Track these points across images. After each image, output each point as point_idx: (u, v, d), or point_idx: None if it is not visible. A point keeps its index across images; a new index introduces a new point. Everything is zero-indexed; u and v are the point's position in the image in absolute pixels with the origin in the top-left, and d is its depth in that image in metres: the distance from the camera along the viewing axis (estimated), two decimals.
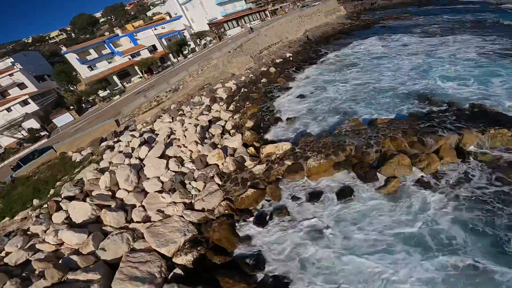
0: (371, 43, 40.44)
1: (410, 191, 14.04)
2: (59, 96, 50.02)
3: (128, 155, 20.29)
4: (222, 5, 62.70)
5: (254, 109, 26.37)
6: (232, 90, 31.39)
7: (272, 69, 36.11)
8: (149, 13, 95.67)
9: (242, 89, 31.18)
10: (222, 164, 18.52)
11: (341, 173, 15.87)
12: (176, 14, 65.73)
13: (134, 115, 30.96)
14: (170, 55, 53.89)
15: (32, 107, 41.67)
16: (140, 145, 21.03)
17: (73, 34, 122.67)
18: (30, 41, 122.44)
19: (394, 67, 30.11)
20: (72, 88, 47.07)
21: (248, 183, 16.33)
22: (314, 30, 55.60)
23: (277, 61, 39.47)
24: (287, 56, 40.81)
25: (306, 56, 40.52)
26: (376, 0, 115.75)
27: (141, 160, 19.59)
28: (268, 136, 22.24)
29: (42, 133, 37.25)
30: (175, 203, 15.74)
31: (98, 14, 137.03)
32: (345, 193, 14.66)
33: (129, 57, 50.43)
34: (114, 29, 58.13)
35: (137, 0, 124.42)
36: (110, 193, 16.67)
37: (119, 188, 17.03)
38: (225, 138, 21.89)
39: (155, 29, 52.11)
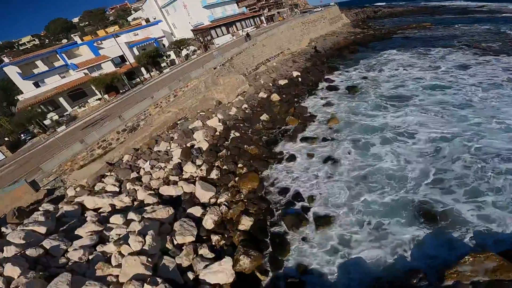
0: (405, 61, 30.60)
1: None
2: None
3: None
4: (209, 8, 52.35)
5: (252, 183, 15.53)
6: (218, 132, 20.60)
7: (275, 97, 25.46)
8: (130, 18, 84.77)
9: (232, 131, 20.35)
10: None
11: None
12: (155, 18, 54.96)
13: (65, 172, 19.62)
14: (143, 69, 42.87)
15: None
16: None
17: (47, 40, 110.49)
18: None
19: (484, 108, 19.22)
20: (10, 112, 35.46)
21: None
22: (321, 40, 45.63)
23: (281, 82, 28.93)
24: (294, 75, 30.32)
25: (320, 77, 30.17)
26: (380, 8, 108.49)
27: None
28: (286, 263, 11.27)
29: None
30: None
31: (76, 19, 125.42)
32: None
33: (86, 71, 39.12)
34: (73, 35, 46.74)
35: (119, 4, 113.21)
36: None
37: None
38: (202, 262, 10.93)
39: (117, 36, 40.80)
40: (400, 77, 26.12)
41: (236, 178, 16.66)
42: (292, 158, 17.55)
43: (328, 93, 25.70)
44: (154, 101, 24.31)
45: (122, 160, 20.16)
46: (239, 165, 17.69)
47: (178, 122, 23.80)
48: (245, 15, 57.43)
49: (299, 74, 30.43)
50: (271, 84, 28.53)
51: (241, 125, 21.17)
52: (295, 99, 25.24)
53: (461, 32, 40.84)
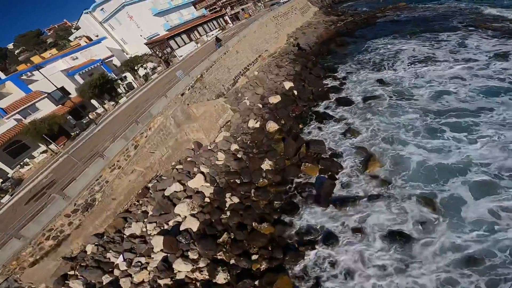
0: (418, 52, 25.58)
1: None
2: None
3: None
4: (162, 16, 44.47)
5: None
6: (207, 198, 14.04)
7: (272, 126, 18.92)
8: (72, 37, 73.44)
9: (228, 195, 13.93)
10: None
11: None
12: (97, 36, 45.90)
13: (14, 271, 12.61)
14: (94, 101, 34.52)
15: None
16: None
17: None
18: None
19: None
20: None
21: None
22: (299, 34, 39.74)
23: (272, 100, 22.60)
24: (287, 87, 24.06)
25: (320, 85, 24.14)
26: None
27: None
28: None
29: None
30: None
31: (11, 46, 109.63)
32: None
33: (19, 116, 30.25)
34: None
35: (57, 24, 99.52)
36: None
37: None
38: None
39: (40, 67, 31.72)
40: (429, 78, 20.46)
41: (256, 283, 10.34)
42: (330, 238, 11.34)
43: (341, 109, 19.51)
44: (107, 163, 16.95)
45: (86, 252, 13.44)
46: (253, 257, 11.34)
47: (149, 185, 16.77)
48: (206, 18, 50.06)
49: (292, 84, 24.17)
50: (260, 105, 22.07)
51: (237, 181, 14.63)
52: (299, 125, 18.97)
53: (448, 10, 36.79)
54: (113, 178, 16.86)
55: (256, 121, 19.74)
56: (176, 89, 22.62)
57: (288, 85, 24.17)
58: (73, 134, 31.37)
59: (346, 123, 18.03)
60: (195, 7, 56.18)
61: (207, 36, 45.18)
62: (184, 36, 42.71)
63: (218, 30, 48.63)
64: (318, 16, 54.91)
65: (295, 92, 22.81)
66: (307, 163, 14.77)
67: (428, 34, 28.29)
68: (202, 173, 15.55)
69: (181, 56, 40.64)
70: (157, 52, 40.74)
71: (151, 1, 43.32)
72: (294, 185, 14.20)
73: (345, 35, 35.95)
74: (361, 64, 25.78)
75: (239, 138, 18.14)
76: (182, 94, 22.53)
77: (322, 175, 14.26)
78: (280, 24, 41.60)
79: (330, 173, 14.25)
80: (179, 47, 41.49)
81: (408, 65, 22.87)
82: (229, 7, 60.81)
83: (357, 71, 24.58)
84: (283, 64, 29.71)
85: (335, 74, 25.25)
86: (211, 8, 59.59)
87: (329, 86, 23.34)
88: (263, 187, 14.25)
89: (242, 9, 58.34)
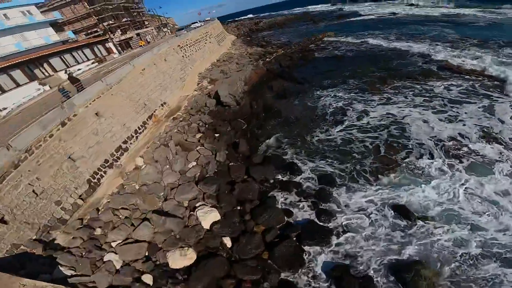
0: (421, 126, 15.10)
1: None
2: None
3: None
4: None
5: None
6: None
7: None
8: None
9: None
10: None
11: None
12: None
13: None
14: None
15: None
16: None
17: None
18: None
19: None
20: None
21: None
22: (217, 73, 27.03)
23: (173, 263, 8.03)
24: (206, 225, 10.24)
25: (278, 222, 10.79)
26: (261, 20, 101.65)
27: None
28: None
29: None
30: None
31: None
32: None
33: None
34: None
35: None
36: None
37: None
38: None
39: None
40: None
41: None
42: None
43: None
44: None
45: None
46: None
47: None
48: (75, 44, 32.47)
49: (218, 216, 10.38)
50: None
51: None
52: None
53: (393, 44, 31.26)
54: None
55: None
56: None
57: (207, 221, 10.31)
58: None
59: None
60: (64, 28, 37.93)
61: (66, 72, 27.69)
62: (16, 73, 24.21)
63: (93, 62, 31.67)
64: (238, 46, 44.45)
65: (228, 243, 9.25)
66: None
67: (397, 86, 19.71)
68: None
69: (5, 109, 21.94)
70: None
71: None
72: None
73: (282, 77, 25.09)
74: (341, 156, 14.04)
75: None
76: None
77: None
78: (188, 57, 28.19)
79: None
80: (2, 92, 22.75)
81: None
82: (119, 30, 44.34)
83: (342, 179, 12.57)
84: (192, 139, 15.97)
85: (298, 178, 12.95)
86: (89, 31, 41.93)
87: (297, 222, 10.62)
88: None
89: (138, 35, 42.83)
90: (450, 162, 12.30)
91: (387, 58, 26.83)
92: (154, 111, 19.16)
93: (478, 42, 27.87)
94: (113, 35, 43.10)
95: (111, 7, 44.22)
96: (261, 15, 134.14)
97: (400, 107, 17.27)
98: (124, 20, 46.16)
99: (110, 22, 43.13)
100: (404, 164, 12.69)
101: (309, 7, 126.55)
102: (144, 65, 20.47)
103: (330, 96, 20.37)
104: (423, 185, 11.48)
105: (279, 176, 13.45)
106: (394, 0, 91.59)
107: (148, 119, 18.44)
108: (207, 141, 16.16)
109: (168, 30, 56.20)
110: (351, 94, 20.16)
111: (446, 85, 18.92)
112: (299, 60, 30.87)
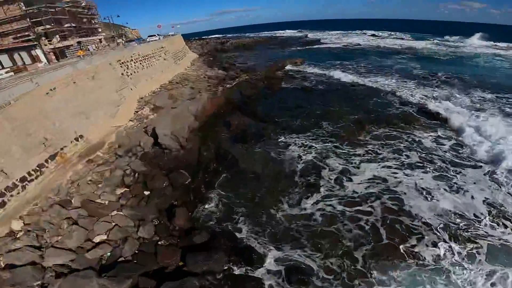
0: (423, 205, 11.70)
1: None
2: None
3: None
4: None
5: None
6: None
7: None
8: None
9: None
10: None
11: None
12: None
13: None
14: None
15: None
16: None
17: None
18: None
19: None
20: None
21: None
22: (165, 99, 22.74)
23: None
24: None
25: None
26: (228, 39, 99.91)
27: None
28: None
29: None
30: None
31: None
32: None
33: None
34: None
35: None
36: None
37: None
38: None
39: None
40: None
41: None
42: None
43: None
44: None
45: None
46: None
47: None
48: None
49: None
50: None
51: None
52: None
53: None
54: None
55: None
56: None
57: None
58: None
59: None
60: None
61: None
62: None
63: (8, 72, 25.15)
64: (197, 66, 40.83)
65: None
66: None
67: (383, 136, 17.39)
68: None
69: None
70: None
71: None
72: None
73: (243, 111, 21.38)
74: (320, 241, 10.02)
75: None
76: None
77: None
78: (131, 75, 23.52)
79: None
80: None
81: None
82: (57, 36, 37.85)
83: (326, 281, 8.63)
84: (108, 197, 11.53)
85: (258, 272, 9.04)
86: (18, 35, 34.89)
87: None
88: None
89: (79, 43, 36.86)
90: (469, 251, 9.34)
91: (360, 96, 25.25)
92: (62, 148, 14.06)
93: (445, 78, 29.66)
94: (49, 41, 36.61)
95: (52, 10, 38.03)
96: (229, 35, 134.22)
97: (390, 168, 14.32)
98: (66, 25, 39.95)
99: (48, 26, 36.70)
100: (413, 256, 9.30)
101: (276, 32, 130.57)
102: (56, 83, 15.43)
103: (299, 145, 16.95)
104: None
105: (231, 266, 9.39)
106: (357, 30, 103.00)
107: (49, 160, 13.27)
108: (130, 202, 11.60)
109: (122, 41, 50.56)
110: (326, 144, 16.97)
111: (434, 137, 16.88)
112: (264, 88, 28.02)
